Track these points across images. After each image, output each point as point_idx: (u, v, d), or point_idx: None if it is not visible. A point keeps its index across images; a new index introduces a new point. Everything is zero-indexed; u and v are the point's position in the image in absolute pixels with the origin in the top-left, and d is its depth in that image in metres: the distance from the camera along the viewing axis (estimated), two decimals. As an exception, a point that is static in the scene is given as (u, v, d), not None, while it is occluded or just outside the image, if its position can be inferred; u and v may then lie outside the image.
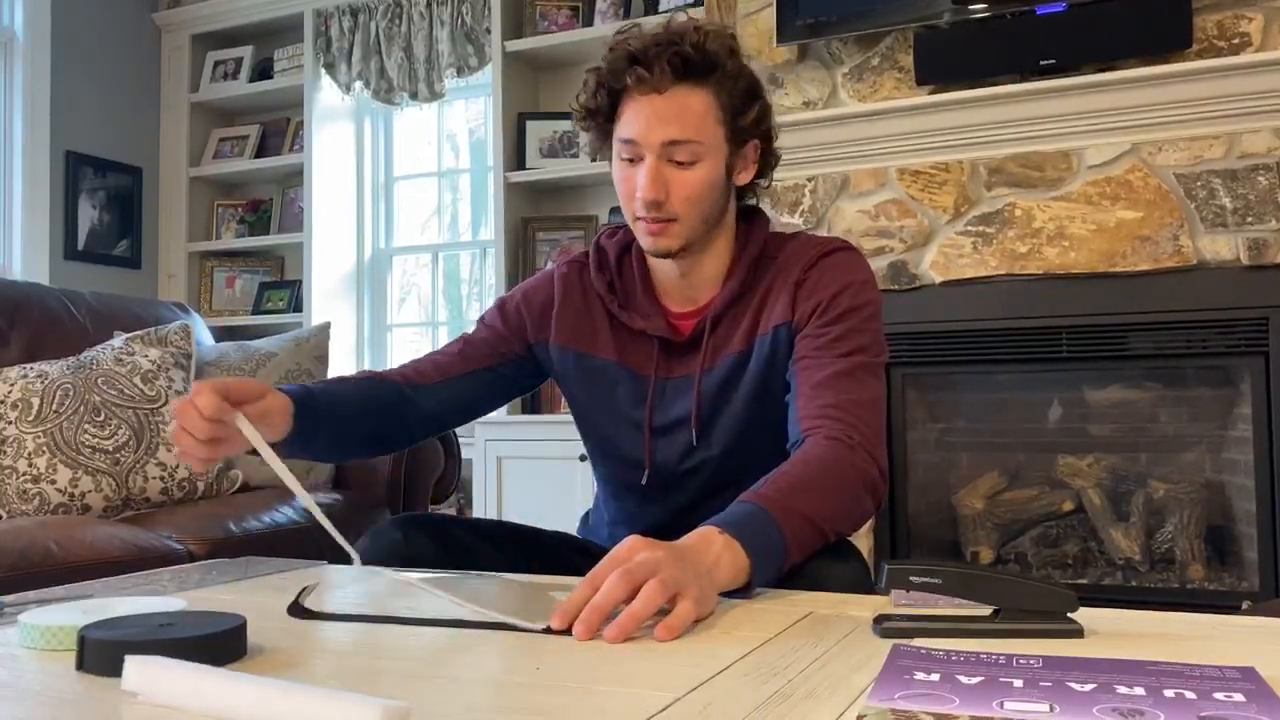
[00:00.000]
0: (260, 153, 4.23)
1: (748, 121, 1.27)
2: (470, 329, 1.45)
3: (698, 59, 1.21)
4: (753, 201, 1.38)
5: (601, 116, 1.27)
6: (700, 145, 1.22)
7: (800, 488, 1.08)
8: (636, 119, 1.22)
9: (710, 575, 0.92)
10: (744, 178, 1.31)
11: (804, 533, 1.05)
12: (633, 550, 0.88)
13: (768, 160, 1.33)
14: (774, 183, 1.41)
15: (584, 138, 1.33)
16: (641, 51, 1.21)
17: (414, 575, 1.10)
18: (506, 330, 1.40)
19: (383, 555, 1.24)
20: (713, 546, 0.95)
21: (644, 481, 1.35)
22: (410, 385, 1.35)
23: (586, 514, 1.55)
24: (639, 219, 1.25)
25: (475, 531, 1.35)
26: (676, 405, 1.32)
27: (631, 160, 1.25)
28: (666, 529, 1.35)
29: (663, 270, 1.34)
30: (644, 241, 1.28)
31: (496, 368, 1.39)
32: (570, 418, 1.45)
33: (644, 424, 1.33)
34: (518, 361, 1.40)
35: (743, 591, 0.98)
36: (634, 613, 0.82)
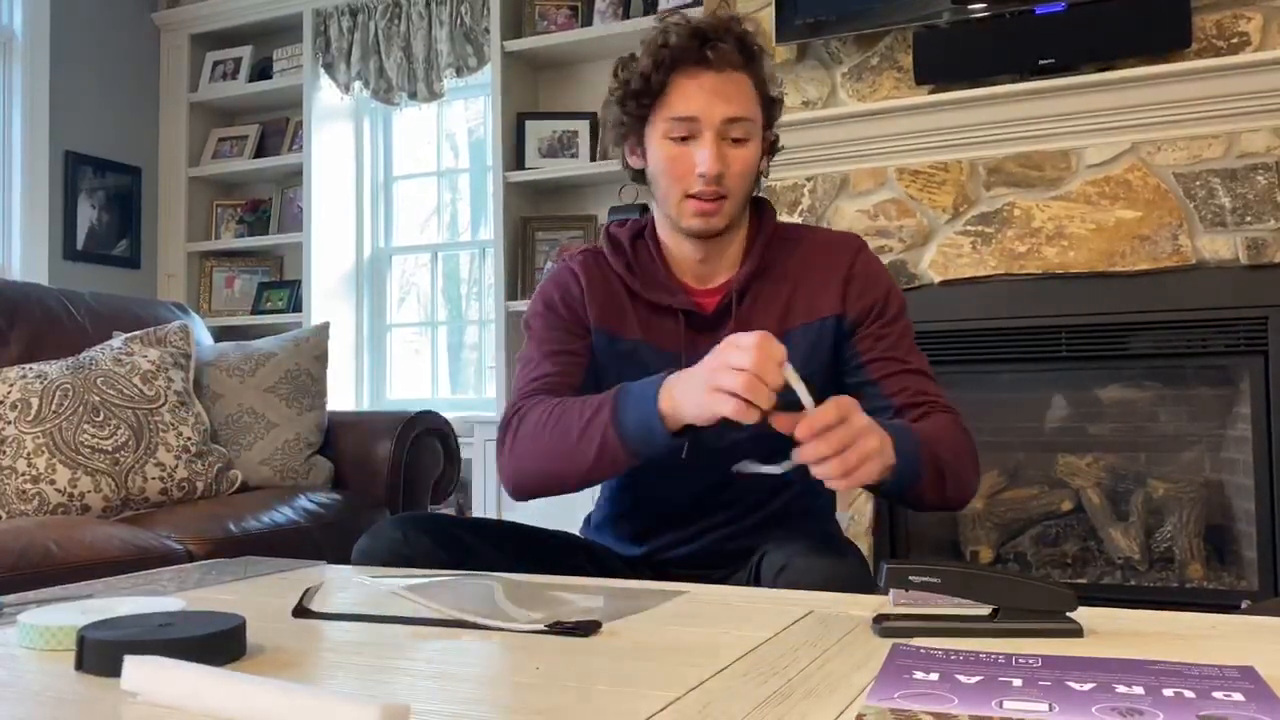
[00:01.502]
0: (259, 152, 4.23)
1: (777, 106, 1.36)
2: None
3: (748, 44, 1.30)
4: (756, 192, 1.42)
5: (649, 96, 1.30)
6: (752, 123, 1.30)
7: (946, 442, 1.23)
8: (698, 95, 1.27)
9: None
10: (764, 162, 1.37)
11: (935, 469, 1.19)
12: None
13: (774, 148, 1.41)
14: (773, 182, 1.44)
15: (611, 123, 1.36)
16: (711, 29, 1.27)
17: (411, 582, 1.10)
18: (574, 324, 1.37)
19: (384, 555, 1.24)
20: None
21: (684, 454, 1.29)
22: None
23: (588, 516, 1.54)
24: (690, 197, 1.29)
25: (476, 531, 1.35)
26: None
27: (684, 138, 1.28)
28: (698, 503, 1.37)
29: (680, 252, 1.37)
30: (692, 223, 1.31)
31: (590, 361, 1.36)
32: None
33: None
34: (590, 348, 1.37)
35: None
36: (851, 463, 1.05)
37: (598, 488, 1.54)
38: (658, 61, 1.28)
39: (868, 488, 1.14)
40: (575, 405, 1.23)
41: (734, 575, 1.31)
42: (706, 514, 1.38)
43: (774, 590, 1.07)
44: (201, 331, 2.64)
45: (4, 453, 2.04)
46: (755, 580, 1.23)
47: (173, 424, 2.19)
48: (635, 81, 1.30)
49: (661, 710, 0.65)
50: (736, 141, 1.29)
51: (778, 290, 1.35)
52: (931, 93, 2.72)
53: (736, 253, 1.37)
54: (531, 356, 1.37)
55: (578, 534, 1.51)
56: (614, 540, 1.46)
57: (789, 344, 1.31)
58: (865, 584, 1.13)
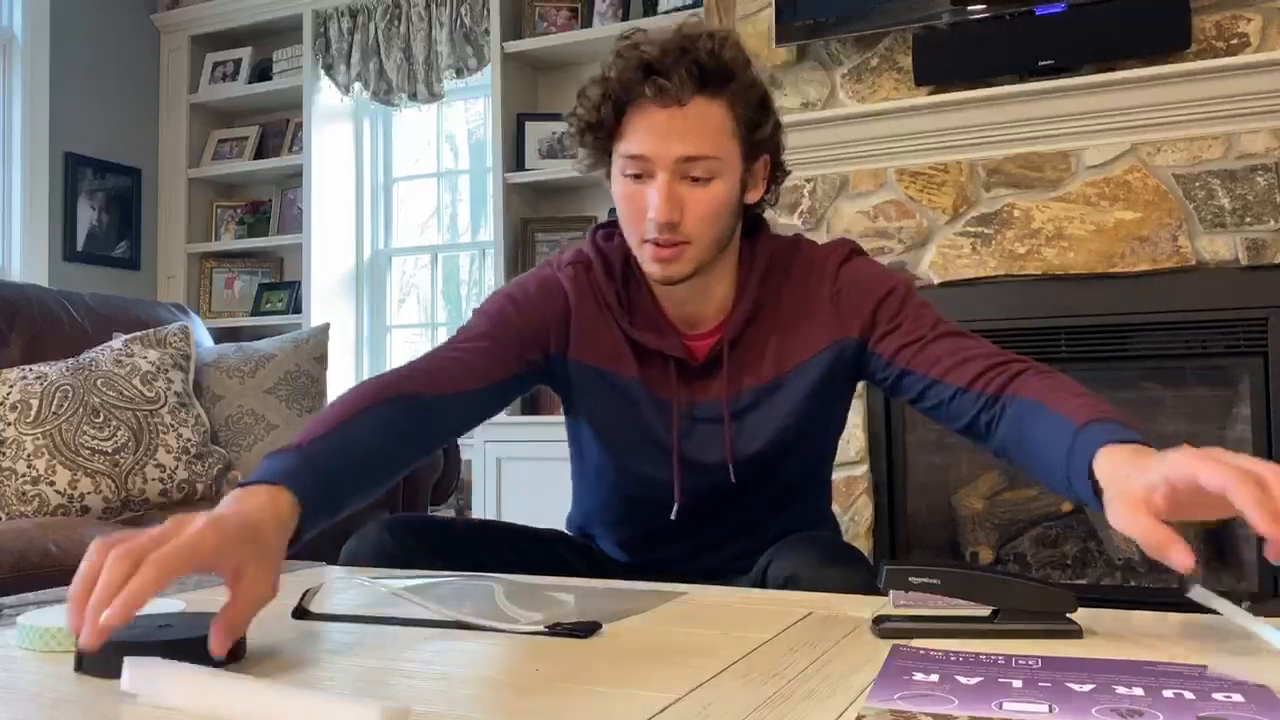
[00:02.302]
0: (259, 154, 4.23)
1: (763, 135, 1.20)
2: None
3: (715, 67, 1.13)
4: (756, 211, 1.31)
5: (603, 130, 1.18)
6: (717, 161, 1.15)
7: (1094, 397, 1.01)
8: (649, 133, 1.14)
9: None
10: (754, 195, 1.24)
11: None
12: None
13: (776, 176, 1.26)
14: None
15: (580, 152, 1.23)
16: (657, 60, 1.12)
17: (411, 583, 1.10)
18: (526, 333, 1.26)
19: (369, 557, 1.21)
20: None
21: (674, 516, 1.28)
22: (431, 394, 1.15)
23: (569, 516, 1.49)
24: (647, 242, 1.17)
25: (465, 532, 1.33)
26: (705, 437, 1.27)
27: (638, 176, 1.16)
28: (691, 549, 1.34)
29: (665, 292, 1.26)
30: (650, 269, 1.19)
31: (519, 374, 1.26)
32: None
33: (671, 454, 1.27)
34: (532, 367, 1.27)
35: None
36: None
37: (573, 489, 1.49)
38: (605, 94, 1.15)
39: None
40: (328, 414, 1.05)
41: (733, 582, 1.30)
42: (702, 532, 1.33)
43: (773, 591, 1.06)
44: (201, 333, 2.64)
45: (4, 454, 2.04)
46: (761, 587, 1.21)
47: (173, 425, 2.19)
48: (590, 115, 1.17)
49: (661, 711, 0.65)
50: (697, 181, 1.14)
51: (770, 332, 1.25)
52: (931, 94, 2.72)
53: (726, 291, 1.25)
54: (458, 332, 1.28)
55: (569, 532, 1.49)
56: (604, 546, 1.43)
57: (790, 386, 1.24)
58: (872, 592, 1.12)
